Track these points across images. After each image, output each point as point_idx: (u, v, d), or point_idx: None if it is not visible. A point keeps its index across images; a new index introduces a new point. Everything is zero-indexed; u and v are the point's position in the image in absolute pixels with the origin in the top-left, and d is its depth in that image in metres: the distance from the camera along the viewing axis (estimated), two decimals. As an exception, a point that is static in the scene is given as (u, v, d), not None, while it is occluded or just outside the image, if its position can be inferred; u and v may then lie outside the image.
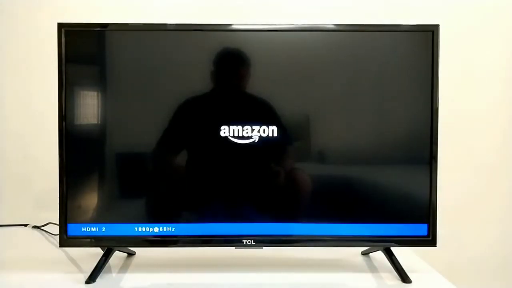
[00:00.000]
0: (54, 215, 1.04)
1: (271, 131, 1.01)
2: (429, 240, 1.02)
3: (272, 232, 1.02)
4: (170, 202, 1.04)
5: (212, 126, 1.01)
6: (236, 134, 1.00)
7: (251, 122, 1.00)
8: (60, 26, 0.99)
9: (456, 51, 1.46)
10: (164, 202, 1.04)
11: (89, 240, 1.02)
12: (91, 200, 1.02)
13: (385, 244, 1.04)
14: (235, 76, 1.03)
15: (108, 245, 1.04)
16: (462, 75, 1.51)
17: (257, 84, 1.02)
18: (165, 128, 1.01)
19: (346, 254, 1.17)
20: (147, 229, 1.01)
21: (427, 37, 1.01)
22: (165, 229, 1.02)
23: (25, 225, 1.42)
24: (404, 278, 1.00)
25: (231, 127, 1.00)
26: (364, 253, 1.17)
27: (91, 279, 0.98)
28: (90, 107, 1.01)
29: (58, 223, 1.00)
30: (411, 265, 1.05)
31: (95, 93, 1.01)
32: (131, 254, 1.15)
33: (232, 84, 1.03)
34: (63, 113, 0.99)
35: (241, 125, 1.00)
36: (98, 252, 1.05)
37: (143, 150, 1.03)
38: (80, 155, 1.01)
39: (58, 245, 1.02)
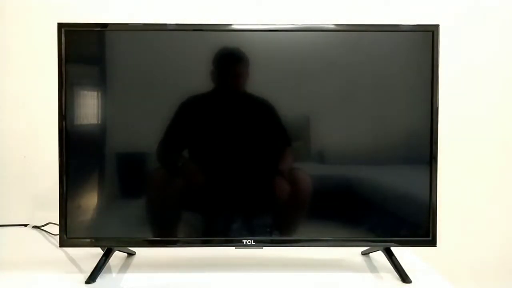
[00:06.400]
0: (54, 215, 1.04)
1: (271, 131, 1.00)
2: (429, 240, 1.02)
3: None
4: (170, 202, 1.04)
5: (212, 126, 1.00)
6: (235, 135, 1.00)
7: (251, 122, 1.00)
8: (60, 26, 0.99)
9: (456, 51, 1.46)
10: (164, 201, 1.04)
11: (89, 240, 1.02)
12: (91, 200, 1.02)
13: (385, 244, 1.04)
14: (235, 76, 1.02)
15: (108, 245, 1.04)
16: (462, 75, 1.51)
17: (257, 84, 1.02)
18: (165, 128, 1.01)
19: (346, 254, 1.17)
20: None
21: (427, 37, 1.01)
22: (165, 229, 1.02)
23: (25, 225, 1.42)
24: (404, 278, 1.00)
25: (231, 127, 1.00)
26: (364, 253, 1.17)
27: (91, 279, 0.98)
28: (90, 107, 1.01)
29: (58, 223, 1.00)
30: (411, 265, 1.05)
31: (95, 93, 1.01)
32: (131, 254, 1.15)
33: (232, 84, 1.03)
34: (63, 113, 0.99)
35: (241, 125, 1.00)
36: (98, 252, 1.05)
37: (143, 150, 1.03)
38: (80, 155, 1.01)
39: (58, 245, 1.02)
